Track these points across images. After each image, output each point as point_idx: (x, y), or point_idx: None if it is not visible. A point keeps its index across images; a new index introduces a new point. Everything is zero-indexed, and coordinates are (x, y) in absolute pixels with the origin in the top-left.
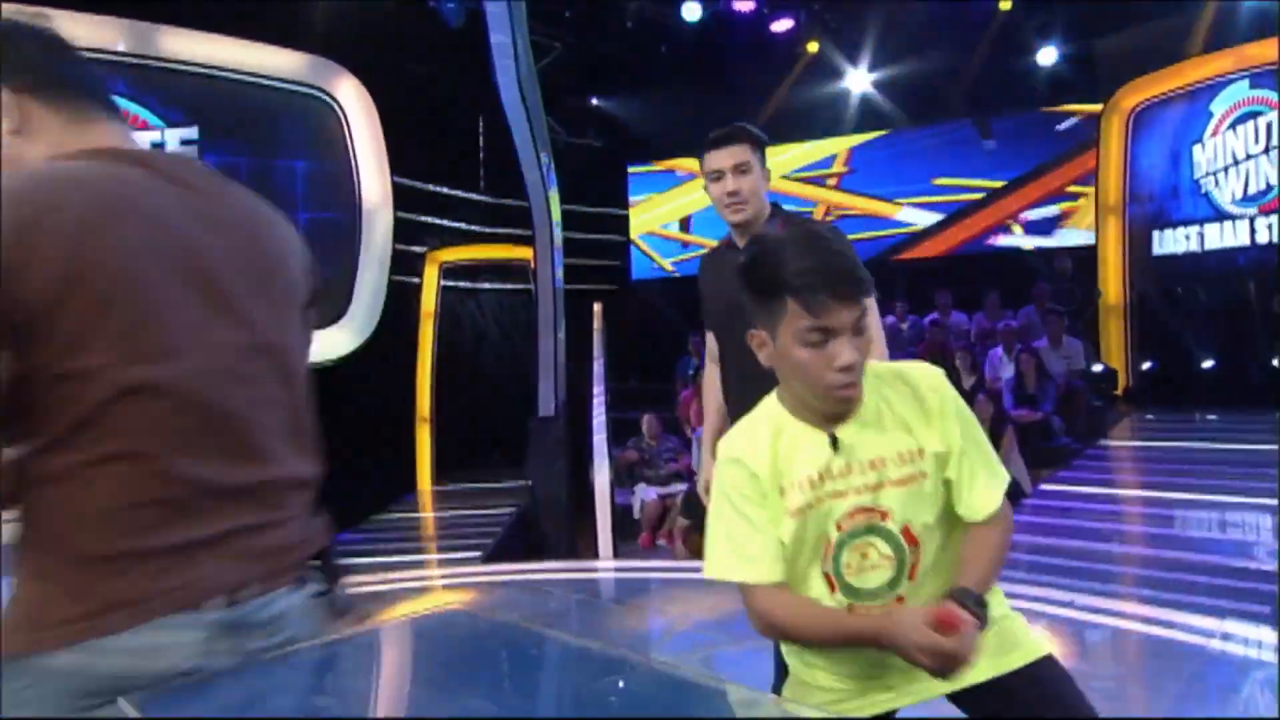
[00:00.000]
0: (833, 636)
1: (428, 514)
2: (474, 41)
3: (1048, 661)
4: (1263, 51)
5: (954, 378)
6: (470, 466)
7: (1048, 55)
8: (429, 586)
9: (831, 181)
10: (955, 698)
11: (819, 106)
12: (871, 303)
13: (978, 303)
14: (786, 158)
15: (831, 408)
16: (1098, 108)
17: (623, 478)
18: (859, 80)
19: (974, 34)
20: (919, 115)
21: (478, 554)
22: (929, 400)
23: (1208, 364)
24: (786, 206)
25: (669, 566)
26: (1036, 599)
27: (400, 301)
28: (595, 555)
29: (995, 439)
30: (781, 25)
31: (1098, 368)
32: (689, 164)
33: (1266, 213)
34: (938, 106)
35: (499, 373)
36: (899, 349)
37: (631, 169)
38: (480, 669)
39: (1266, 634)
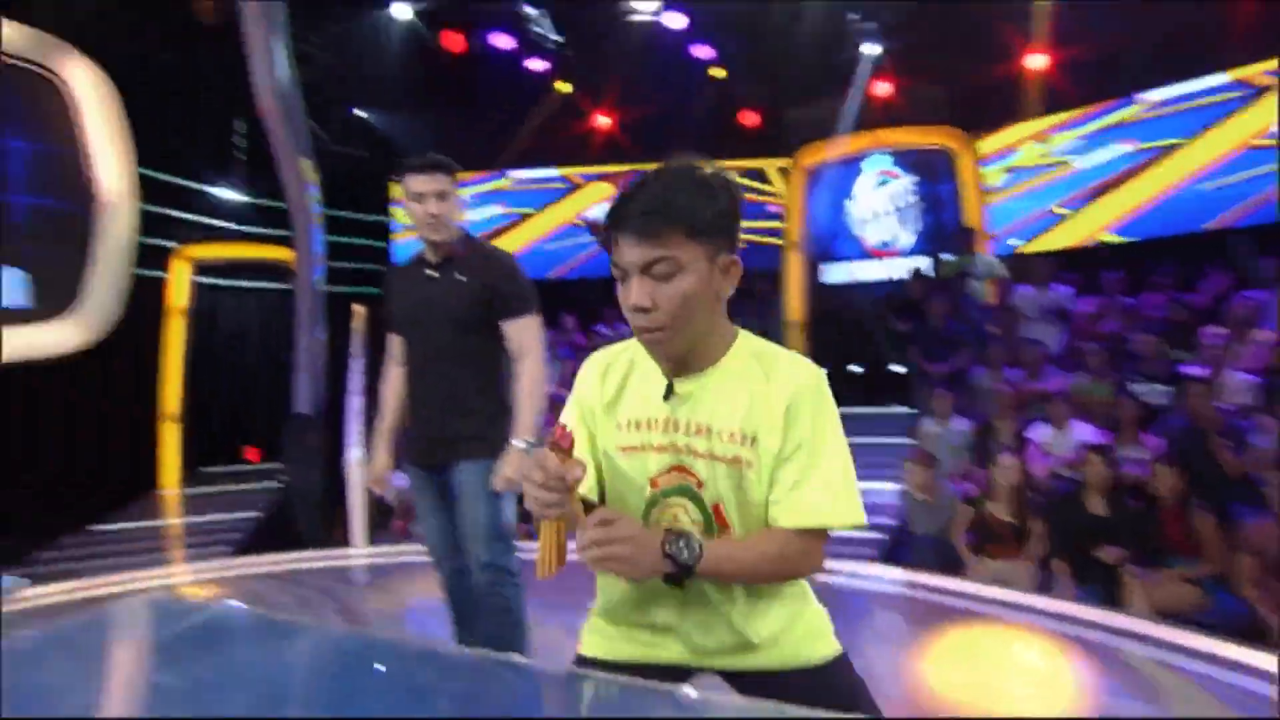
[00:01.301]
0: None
1: (174, 511)
2: (228, 38)
3: (839, 663)
4: (890, 136)
5: None
6: (226, 464)
7: (751, 118)
8: (175, 585)
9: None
10: (734, 680)
11: (567, 140)
12: (529, 321)
13: None
14: (531, 177)
15: (649, 350)
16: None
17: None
18: (601, 121)
19: (694, 92)
20: (650, 155)
21: (228, 550)
22: (781, 393)
23: (859, 369)
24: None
25: (422, 550)
26: None
27: (148, 297)
28: (347, 544)
29: None
30: (536, 65)
31: None
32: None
33: (893, 256)
34: (666, 149)
35: (259, 371)
36: None
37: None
38: (179, 648)
39: (873, 568)
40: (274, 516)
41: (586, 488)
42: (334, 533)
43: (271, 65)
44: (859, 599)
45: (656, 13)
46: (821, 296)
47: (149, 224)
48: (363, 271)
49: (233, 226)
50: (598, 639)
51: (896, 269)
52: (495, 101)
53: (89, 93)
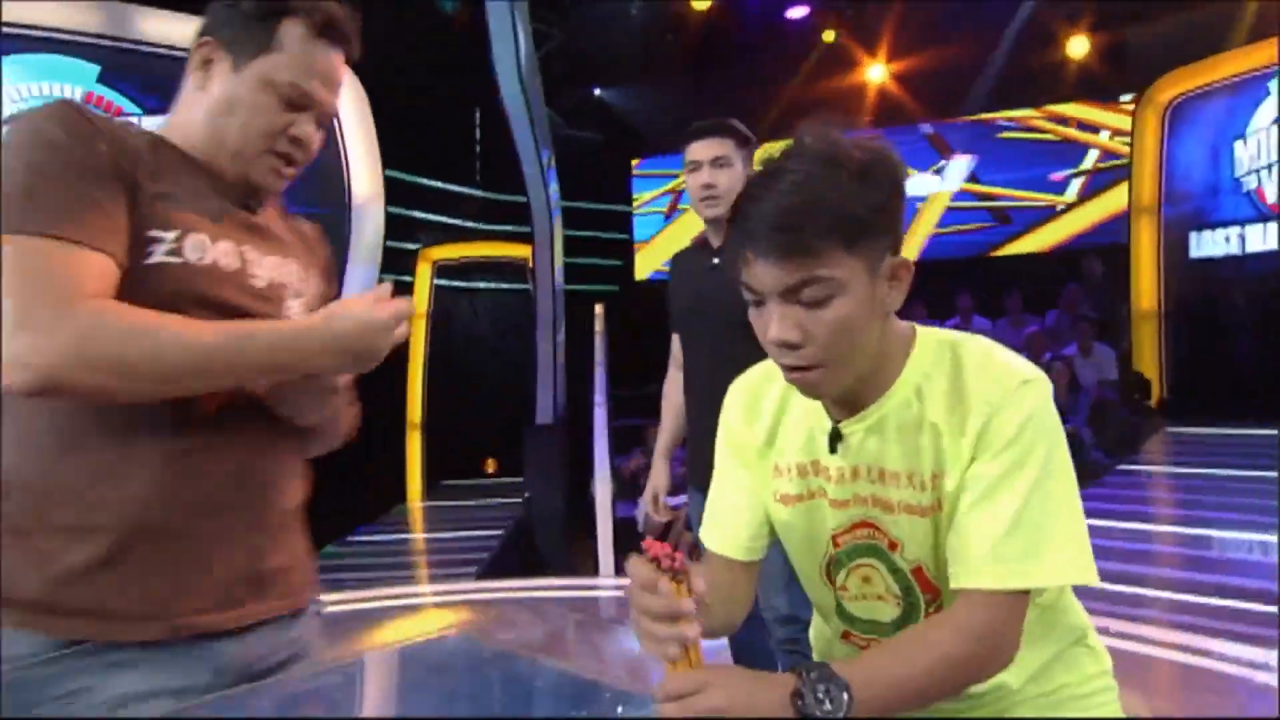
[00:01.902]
0: None
1: (418, 527)
2: (470, 29)
3: None
4: None
5: None
6: (464, 475)
7: (1077, 46)
8: (420, 605)
9: None
10: None
11: (836, 99)
12: None
13: (999, 307)
14: None
15: (802, 392)
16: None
17: (626, 489)
18: (878, 72)
19: (1000, 23)
20: (942, 109)
21: (471, 569)
22: (978, 407)
23: (1246, 375)
24: None
25: None
26: None
27: None
28: (595, 571)
29: None
30: (796, 13)
31: (1131, 377)
32: None
33: None
34: (962, 100)
35: (494, 377)
36: None
37: (638, 168)
38: (478, 700)
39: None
40: (516, 536)
41: (745, 548)
42: (576, 555)
43: (514, 50)
44: (1271, 704)
45: None
46: (1190, 277)
47: (392, 226)
48: (604, 268)
49: (471, 225)
50: None
51: None
52: (749, 62)
53: (348, 99)
